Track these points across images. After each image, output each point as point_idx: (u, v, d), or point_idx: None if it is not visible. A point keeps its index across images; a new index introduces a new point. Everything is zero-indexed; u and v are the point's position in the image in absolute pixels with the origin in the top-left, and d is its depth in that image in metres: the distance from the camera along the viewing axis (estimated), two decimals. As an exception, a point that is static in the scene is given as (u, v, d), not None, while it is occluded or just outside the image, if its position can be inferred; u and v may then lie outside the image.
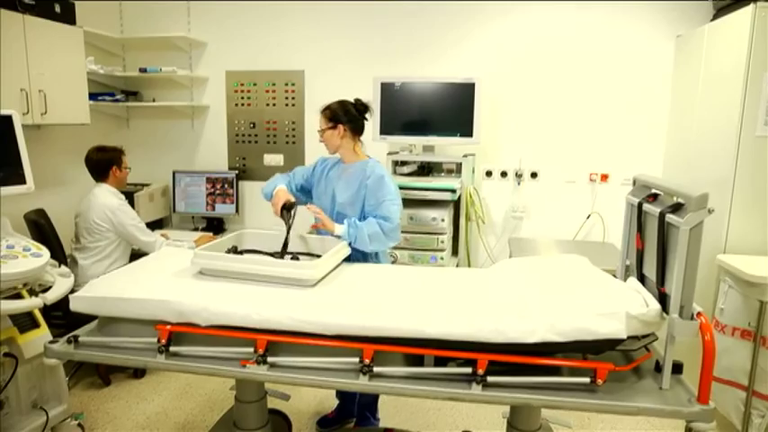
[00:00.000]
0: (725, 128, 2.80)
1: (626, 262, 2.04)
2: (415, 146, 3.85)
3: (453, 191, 3.39)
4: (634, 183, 2.01)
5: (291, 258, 2.21)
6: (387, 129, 3.72)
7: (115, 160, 3.26)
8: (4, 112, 2.38)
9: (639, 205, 1.85)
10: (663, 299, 1.68)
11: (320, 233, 2.40)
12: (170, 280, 1.99)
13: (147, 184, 4.15)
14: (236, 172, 4.29)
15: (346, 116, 2.43)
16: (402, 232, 3.30)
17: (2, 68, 2.89)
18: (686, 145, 3.34)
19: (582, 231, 3.92)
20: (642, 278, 1.87)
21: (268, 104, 4.29)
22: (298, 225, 2.30)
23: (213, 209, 4.30)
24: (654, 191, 1.85)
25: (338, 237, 2.29)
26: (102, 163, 3.23)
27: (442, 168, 3.92)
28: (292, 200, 2.37)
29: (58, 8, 3.29)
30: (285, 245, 2.23)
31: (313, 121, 4.15)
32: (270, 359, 1.73)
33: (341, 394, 2.91)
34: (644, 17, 3.66)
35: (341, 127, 2.42)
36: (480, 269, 2.53)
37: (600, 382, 1.57)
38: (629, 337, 1.59)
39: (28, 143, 2.42)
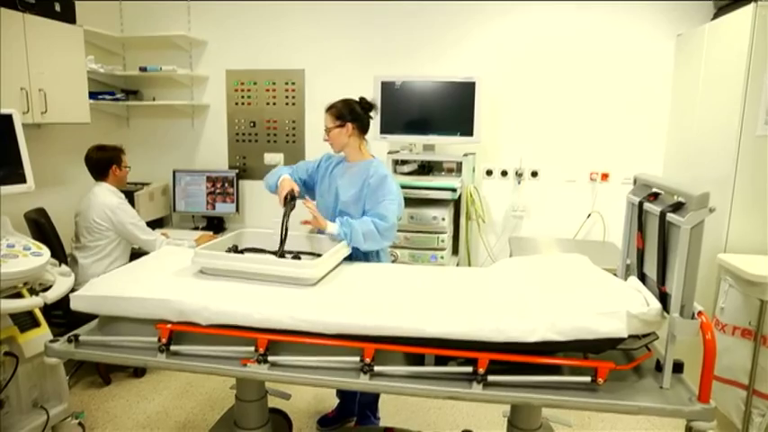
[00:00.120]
0: (725, 127, 2.80)
1: (626, 261, 2.04)
2: (415, 145, 3.85)
3: (454, 190, 3.39)
4: (635, 182, 2.01)
5: (293, 258, 2.21)
6: (387, 128, 3.72)
7: (115, 159, 3.26)
8: (5, 111, 2.38)
9: (640, 204, 1.85)
10: (663, 298, 1.68)
11: (320, 232, 2.39)
12: (170, 279, 1.99)
13: (147, 184, 4.15)
14: (237, 171, 4.29)
15: (353, 114, 2.43)
16: (402, 231, 3.34)
17: (2, 67, 2.88)
18: (687, 144, 3.34)
19: (582, 230, 3.91)
20: (643, 277, 1.87)
21: (268, 103, 4.29)
22: (297, 224, 2.29)
23: (213, 208, 4.30)
24: (654, 190, 1.85)
25: (330, 235, 2.28)
26: (102, 162, 3.23)
27: (442, 167, 3.92)
28: (297, 189, 2.36)
29: (58, 7, 3.28)
30: (284, 235, 2.21)
31: (313, 121, 4.19)
32: (270, 358, 1.73)
33: (341, 393, 2.91)
34: (644, 16, 3.65)
35: (349, 125, 2.42)
36: (481, 268, 2.52)
37: (600, 381, 1.57)
38: (629, 337, 1.59)
39: (28, 142, 2.42)
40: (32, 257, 2.12)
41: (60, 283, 2.24)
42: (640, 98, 3.74)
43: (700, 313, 1.59)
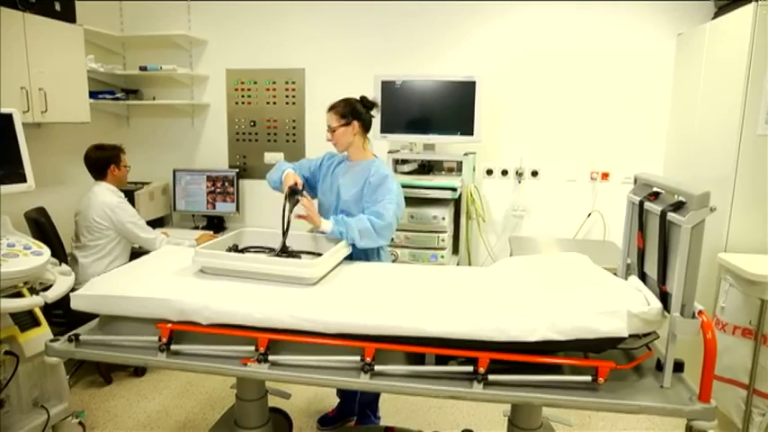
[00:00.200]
0: (726, 126, 2.80)
1: (627, 260, 2.04)
2: (415, 144, 3.85)
3: (454, 189, 3.39)
4: (635, 181, 2.01)
5: (293, 257, 2.21)
6: (387, 127, 3.72)
7: (113, 159, 3.25)
8: (5, 110, 2.37)
9: (641, 203, 1.85)
10: (664, 297, 1.68)
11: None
12: (171, 278, 1.99)
13: (147, 183, 4.15)
14: (237, 170, 4.29)
15: (357, 112, 2.43)
16: (403, 230, 3.34)
17: (2, 67, 2.88)
18: (687, 143, 3.34)
19: (582, 230, 3.91)
20: (643, 276, 1.87)
21: (268, 103, 4.29)
22: (299, 222, 2.29)
23: (214, 207, 4.30)
24: (655, 189, 1.85)
25: (323, 233, 2.28)
26: (101, 161, 3.23)
27: (442, 167, 3.91)
28: (300, 183, 2.34)
29: (58, 6, 3.28)
30: (286, 228, 2.21)
31: (314, 120, 4.19)
32: (271, 357, 1.73)
33: (341, 393, 2.91)
34: (645, 15, 3.65)
35: (355, 123, 2.42)
36: (481, 268, 2.52)
37: (601, 380, 1.57)
38: (630, 336, 1.59)
39: (28, 141, 2.41)
40: (33, 257, 2.12)
41: (61, 282, 2.24)
42: (641, 97, 3.74)
43: (700, 312, 1.59)
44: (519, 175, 3.96)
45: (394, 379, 1.68)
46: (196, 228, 4.31)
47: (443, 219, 3.34)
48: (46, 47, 3.18)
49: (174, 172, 4.31)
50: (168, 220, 4.44)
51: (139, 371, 3.41)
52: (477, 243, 4.06)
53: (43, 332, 2.41)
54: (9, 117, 2.36)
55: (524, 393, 1.61)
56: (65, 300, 2.07)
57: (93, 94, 3.74)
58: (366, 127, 2.48)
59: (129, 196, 3.60)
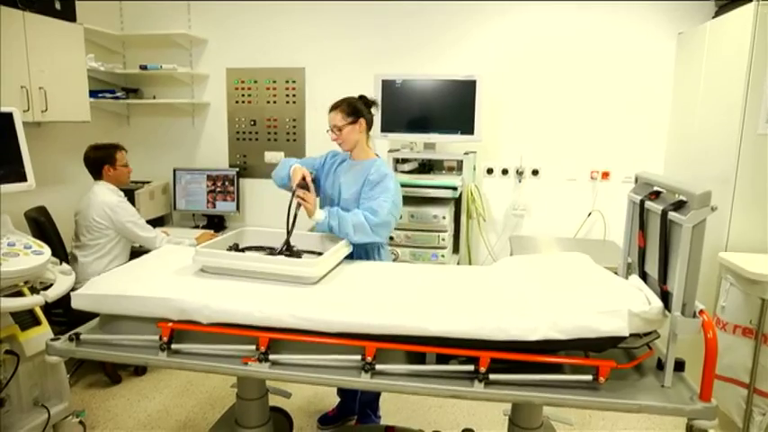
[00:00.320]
0: (726, 125, 2.80)
1: (628, 260, 2.04)
2: (416, 143, 3.85)
3: (454, 188, 3.39)
4: (636, 180, 2.00)
5: (295, 256, 2.21)
6: (388, 126, 3.72)
7: (107, 159, 3.24)
8: (5, 109, 2.37)
9: (641, 203, 1.85)
10: (665, 296, 1.68)
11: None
12: (171, 277, 1.99)
13: (147, 182, 4.15)
14: (237, 169, 4.29)
15: (362, 110, 2.43)
16: (403, 229, 3.34)
17: (2, 66, 2.88)
18: (687, 143, 3.34)
19: (583, 229, 3.91)
20: (644, 276, 1.87)
21: (269, 102, 4.28)
22: (299, 222, 2.29)
23: (214, 206, 4.30)
24: (656, 188, 1.85)
25: (315, 222, 2.27)
26: (96, 162, 3.24)
27: (443, 166, 3.91)
28: (308, 175, 2.32)
29: (58, 5, 3.28)
30: (293, 220, 2.19)
31: (314, 119, 4.19)
32: (271, 357, 1.73)
33: (342, 392, 2.91)
34: (645, 15, 3.65)
35: (361, 121, 2.42)
36: (482, 267, 2.52)
37: (602, 379, 1.57)
38: (631, 335, 1.59)
39: (28, 140, 2.41)
40: (33, 256, 2.12)
41: (61, 281, 2.23)
42: (641, 97, 3.73)
43: (701, 312, 1.58)
44: (519, 174, 3.96)
45: (395, 378, 1.68)
46: (196, 227, 4.31)
47: (444, 218, 3.34)
48: (46, 46, 3.18)
49: (175, 171, 4.31)
50: (168, 220, 4.44)
51: (140, 370, 3.41)
52: (478, 242, 4.06)
53: (44, 331, 2.41)
54: (9, 116, 2.36)
55: (525, 392, 1.61)
56: (65, 299, 2.07)
57: (93, 93, 3.74)
58: (369, 125, 2.48)
59: (130, 195, 3.60)
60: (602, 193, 3.88)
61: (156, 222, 4.15)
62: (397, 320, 1.67)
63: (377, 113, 2.55)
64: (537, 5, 3.77)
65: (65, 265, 2.40)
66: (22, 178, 2.38)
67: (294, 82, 4.22)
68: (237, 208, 4.29)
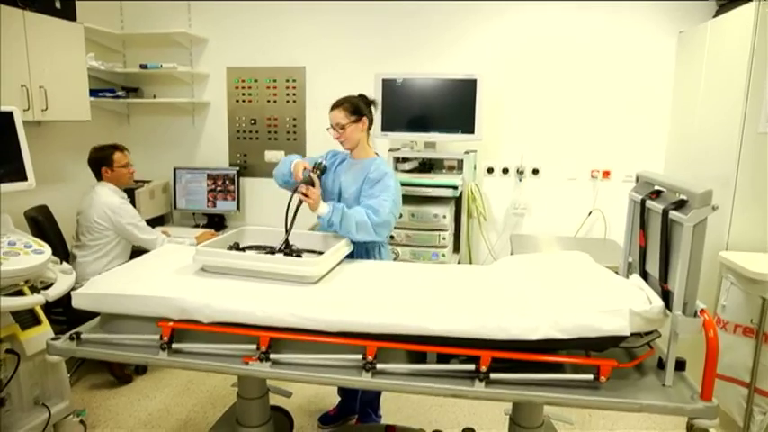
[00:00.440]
0: (727, 124, 2.80)
1: (628, 259, 2.04)
2: (416, 142, 3.85)
3: (455, 187, 3.39)
4: (637, 179, 2.00)
5: (294, 255, 2.20)
6: (388, 125, 3.71)
7: (104, 160, 3.23)
8: (5, 108, 2.37)
9: (642, 202, 1.85)
10: (666, 295, 1.68)
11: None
12: (172, 277, 1.99)
13: (147, 181, 4.14)
14: (237, 168, 4.29)
15: (363, 109, 2.43)
16: (404, 229, 3.34)
17: (2, 65, 2.88)
18: (688, 142, 3.34)
19: (583, 228, 3.91)
20: (645, 275, 1.87)
21: (269, 101, 4.28)
22: (299, 221, 2.28)
23: (214, 205, 4.30)
24: (657, 187, 1.85)
25: (318, 218, 2.26)
26: (95, 163, 3.24)
27: (443, 165, 3.91)
28: (309, 167, 2.30)
29: (58, 4, 3.28)
30: (295, 212, 2.19)
31: (314, 118, 4.18)
32: (272, 356, 1.72)
33: (342, 391, 2.91)
34: (646, 14, 3.65)
35: (364, 119, 2.42)
36: (482, 266, 2.52)
37: (603, 378, 1.57)
38: (632, 334, 1.59)
39: (29, 139, 2.41)
40: (33, 255, 2.12)
41: (62, 280, 2.23)
42: (642, 96, 3.73)
43: (702, 311, 1.58)
44: (520, 173, 3.96)
45: (395, 377, 1.68)
46: (197, 226, 4.31)
47: (444, 217, 3.34)
48: (46, 45, 3.18)
49: (175, 170, 4.31)
50: (169, 219, 4.44)
51: (140, 369, 3.41)
52: (478, 241, 4.06)
53: (44, 330, 2.41)
54: (9, 115, 2.36)
55: (526, 392, 1.61)
56: (64, 297, 2.07)
57: (93, 93, 3.74)
58: (370, 124, 2.48)
59: (130, 194, 3.60)
60: (603, 192, 3.88)
61: (157, 221, 4.15)
62: (398, 320, 1.67)
63: (376, 113, 2.55)
64: (537, 5, 3.76)
65: (65, 265, 2.40)
66: (23, 177, 2.38)
67: (294, 81, 4.21)
68: (238, 207, 4.29)
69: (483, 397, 1.63)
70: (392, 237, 3.28)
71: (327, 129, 2.45)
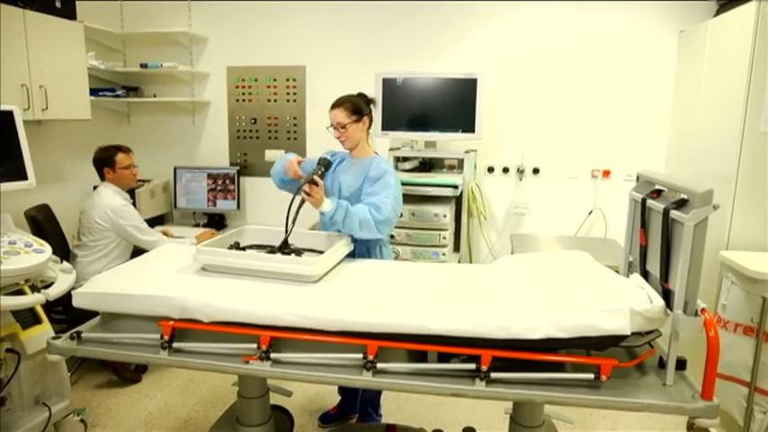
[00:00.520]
0: (728, 124, 2.79)
1: (629, 258, 2.03)
2: (416, 142, 3.85)
3: (455, 187, 3.39)
4: (637, 178, 2.00)
5: (294, 254, 2.20)
6: (388, 124, 3.71)
7: (106, 161, 3.22)
8: (5, 107, 2.37)
9: (643, 201, 1.85)
10: (666, 295, 1.68)
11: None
12: (172, 276, 1.99)
13: (147, 180, 4.14)
14: (238, 168, 4.29)
15: (365, 108, 2.43)
16: (404, 228, 3.34)
17: (3, 64, 2.88)
18: (689, 141, 3.34)
19: (584, 227, 3.91)
20: (645, 274, 1.87)
21: (269, 100, 4.28)
22: (300, 221, 2.28)
23: (214, 205, 4.30)
24: (658, 187, 1.85)
25: (320, 214, 2.26)
26: (97, 163, 3.24)
27: (443, 164, 3.91)
28: (301, 160, 2.32)
29: (58, 3, 3.28)
30: (298, 208, 2.19)
31: (314, 117, 4.18)
32: (273, 355, 1.72)
33: (343, 390, 2.91)
34: (647, 13, 3.65)
35: (365, 118, 2.42)
36: (483, 265, 2.52)
37: (603, 378, 1.57)
38: (632, 334, 1.59)
39: (29, 139, 2.41)
40: (34, 254, 2.12)
41: (62, 280, 2.23)
42: (642, 95, 3.73)
43: (703, 310, 1.58)
44: (520, 172, 3.96)
45: (396, 376, 1.68)
46: (197, 225, 4.31)
47: (444, 216, 3.34)
48: (46, 44, 3.18)
49: (175, 169, 4.31)
50: (169, 218, 4.44)
51: (141, 368, 3.41)
52: (479, 240, 4.06)
53: (44, 330, 2.41)
54: (10, 114, 2.36)
55: (527, 391, 1.61)
56: (65, 297, 2.07)
57: (93, 92, 3.73)
58: (371, 123, 2.48)
59: (130, 194, 3.59)
60: (603, 191, 3.88)
61: (157, 221, 4.15)
62: (399, 319, 1.67)
63: (376, 112, 2.54)
64: (537, 4, 3.76)
65: (65, 264, 2.41)
66: (23, 176, 2.38)
67: (295, 80, 4.21)
68: (238, 206, 4.29)
69: (483, 396, 1.63)
70: (392, 236, 3.28)
71: (328, 128, 2.45)
